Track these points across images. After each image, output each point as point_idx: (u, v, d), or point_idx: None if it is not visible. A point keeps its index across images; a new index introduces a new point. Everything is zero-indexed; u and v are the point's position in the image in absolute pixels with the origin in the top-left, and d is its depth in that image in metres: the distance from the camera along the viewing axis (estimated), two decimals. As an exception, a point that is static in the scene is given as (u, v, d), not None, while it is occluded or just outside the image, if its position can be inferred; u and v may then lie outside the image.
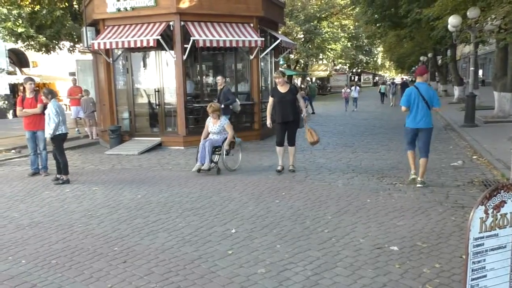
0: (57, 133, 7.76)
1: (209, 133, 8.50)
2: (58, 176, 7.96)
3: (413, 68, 58.35)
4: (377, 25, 28.80)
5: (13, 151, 11.47)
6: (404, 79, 38.66)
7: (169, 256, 4.43)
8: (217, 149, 8.38)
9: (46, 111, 7.80)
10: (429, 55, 35.90)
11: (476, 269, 2.64)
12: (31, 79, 8.72)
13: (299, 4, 36.75)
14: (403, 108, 6.91)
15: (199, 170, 8.12)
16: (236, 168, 8.64)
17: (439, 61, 35.09)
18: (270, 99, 8.36)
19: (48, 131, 7.71)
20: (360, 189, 6.91)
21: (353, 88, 25.81)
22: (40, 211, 6.16)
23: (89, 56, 18.21)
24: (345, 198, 6.40)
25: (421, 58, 39.90)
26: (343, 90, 26.66)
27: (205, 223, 5.43)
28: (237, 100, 11.04)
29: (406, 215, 5.51)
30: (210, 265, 4.19)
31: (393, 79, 48.85)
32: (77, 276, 4.02)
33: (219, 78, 11.06)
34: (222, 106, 10.15)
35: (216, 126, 8.42)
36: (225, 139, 8.39)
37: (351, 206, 5.97)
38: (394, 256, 4.29)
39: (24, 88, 23.16)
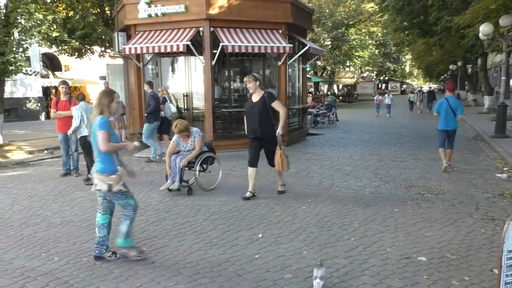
0: (82, 135, 7.98)
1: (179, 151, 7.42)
2: (89, 176, 8.16)
3: (442, 77, 57.46)
4: (406, 32, 28.58)
5: (45, 151, 11.83)
6: (432, 88, 38.56)
7: (196, 258, 4.49)
8: (190, 165, 7.25)
9: None
10: (459, 63, 35.29)
11: (510, 282, 2.60)
12: (65, 83, 8.98)
13: (327, 11, 36.66)
14: (435, 114, 9.11)
15: (170, 190, 7.11)
16: (214, 187, 7.46)
17: (469, 70, 34.43)
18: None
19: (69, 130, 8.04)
20: (387, 198, 6.85)
21: (386, 95, 26.91)
22: (71, 210, 6.33)
23: (119, 61, 18.63)
24: (372, 206, 6.35)
25: (451, 66, 39.25)
26: (375, 97, 28.70)
27: (232, 227, 5.49)
28: (168, 105, 10.42)
29: (435, 226, 5.43)
30: (237, 269, 4.23)
31: (421, 87, 48.28)
32: (107, 274, 4.12)
33: (145, 85, 10.67)
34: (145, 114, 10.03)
35: (188, 144, 7.26)
36: (201, 153, 7.29)
37: (378, 215, 5.92)
38: (422, 267, 4.24)
39: (56, 91, 23.88)
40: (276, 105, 6.71)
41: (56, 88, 24.84)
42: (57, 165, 9.80)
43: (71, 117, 8.46)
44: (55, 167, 9.78)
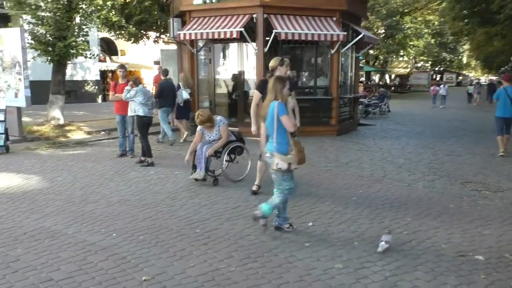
0: (138, 114, 8.24)
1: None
2: (142, 158, 8.44)
3: (502, 68, 54.53)
4: (465, 21, 27.27)
5: (102, 132, 12.32)
6: (492, 80, 36.87)
7: (247, 243, 4.56)
8: (217, 154, 6.96)
9: None
10: (523, 55, 33.35)
11: None
12: (123, 67, 9.26)
13: (382, -2, 35.61)
14: (494, 100, 10.17)
15: (196, 179, 6.80)
16: (242, 179, 7.09)
17: (534, 62, 32.47)
18: (257, 95, 6.26)
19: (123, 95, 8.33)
20: (442, 192, 6.65)
21: (441, 86, 27.10)
22: (127, 190, 6.57)
23: (172, 46, 18.99)
24: (426, 200, 6.19)
25: (513, 58, 37.14)
26: (431, 87, 29.05)
27: (281, 214, 5.51)
28: (180, 92, 10.82)
29: (493, 224, 5.23)
30: (288, 255, 4.26)
31: (479, 79, 46.15)
32: (162, 253, 4.26)
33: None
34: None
35: (213, 134, 6.94)
36: (229, 142, 7.00)
37: (432, 210, 5.77)
38: (479, 266, 4.11)
39: (112, 74, 24.71)
40: (293, 94, 6.07)
41: (112, 71, 25.73)
42: (114, 146, 10.19)
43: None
44: (111, 147, 10.17)
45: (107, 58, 26.36)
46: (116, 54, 26.83)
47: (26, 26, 12.11)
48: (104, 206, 5.77)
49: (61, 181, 7.04)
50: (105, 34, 21.49)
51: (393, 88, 44.75)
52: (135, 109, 8.26)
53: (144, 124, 8.38)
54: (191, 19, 12.09)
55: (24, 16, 12.32)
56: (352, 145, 11.25)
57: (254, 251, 4.35)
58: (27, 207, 5.64)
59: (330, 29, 11.38)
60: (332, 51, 12.19)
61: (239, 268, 3.97)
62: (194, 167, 6.95)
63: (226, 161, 7.12)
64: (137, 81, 8.38)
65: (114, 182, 7.00)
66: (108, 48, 26.87)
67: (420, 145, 11.27)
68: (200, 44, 12.65)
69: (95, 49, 21.60)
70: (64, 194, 6.29)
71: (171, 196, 6.26)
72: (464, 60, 69.96)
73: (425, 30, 42.43)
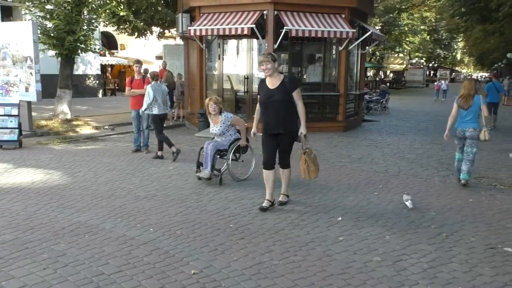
0: (152, 112, 8.40)
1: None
2: (159, 153, 8.55)
3: (495, 65, 55.08)
4: (464, 18, 27.50)
5: (106, 127, 12.32)
6: (491, 78, 37.77)
7: (283, 237, 4.67)
8: (222, 153, 6.87)
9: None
10: (518, 52, 33.71)
11: None
12: (139, 62, 9.27)
13: (380, -6, 35.74)
14: (485, 92, 13.88)
15: (199, 178, 6.76)
16: (247, 177, 7.05)
17: (529, 59, 32.85)
18: (259, 97, 5.72)
19: (142, 108, 8.48)
20: (459, 187, 6.81)
21: (442, 81, 30.10)
22: (152, 185, 6.65)
23: (173, 41, 18.98)
24: (445, 195, 6.35)
25: (508, 55, 37.52)
26: (435, 83, 32.24)
27: (309, 209, 5.63)
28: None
29: (515, 218, 5.40)
30: (325, 249, 4.38)
31: (476, 76, 46.77)
32: (203, 247, 4.35)
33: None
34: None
35: (217, 127, 6.77)
36: (234, 140, 6.88)
37: (454, 204, 5.93)
38: (511, 258, 4.26)
39: (111, 69, 24.52)
40: (296, 94, 5.38)
41: (112, 66, 25.66)
42: (125, 141, 10.25)
43: (144, 95, 8.79)
44: (123, 142, 10.22)
45: (107, 53, 26.24)
46: (116, 48, 26.72)
47: (32, 19, 12.05)
48: (132, 201, 5.84)
49: (82, 177, 7.09)
50: (105, 28, 21.35)
51: (388, 84, 45.00)
52: (153, 108, 8.35)
53: (158, 120, 8.48)
54: (201, 14, 12.12)
55: (32, 10, 12.25)
56: (360, 141, 11.40)
57: (292, 245, 4.46)
58: (57, 202, 5.70)
59: (340, 26, 11.48)
60: (340, 48, 12.32)
61: (282, 261, 4.08)
62: (200, 165, 6.88)
63: (231, 159, 6.95)
64: (155, 77, 8.43)
65: (136, 178, 7.06)
66: (108, 43, 26.75)
67: (426, 141, 11.45)
68: (210, 39, 12.69)
69: (97, 43, 21.51)
70: (90, 190, 6.35)
71: (196, 191, 6.35)
72: (458, 56, 70.57)
73: (421, 27, 42.73)
